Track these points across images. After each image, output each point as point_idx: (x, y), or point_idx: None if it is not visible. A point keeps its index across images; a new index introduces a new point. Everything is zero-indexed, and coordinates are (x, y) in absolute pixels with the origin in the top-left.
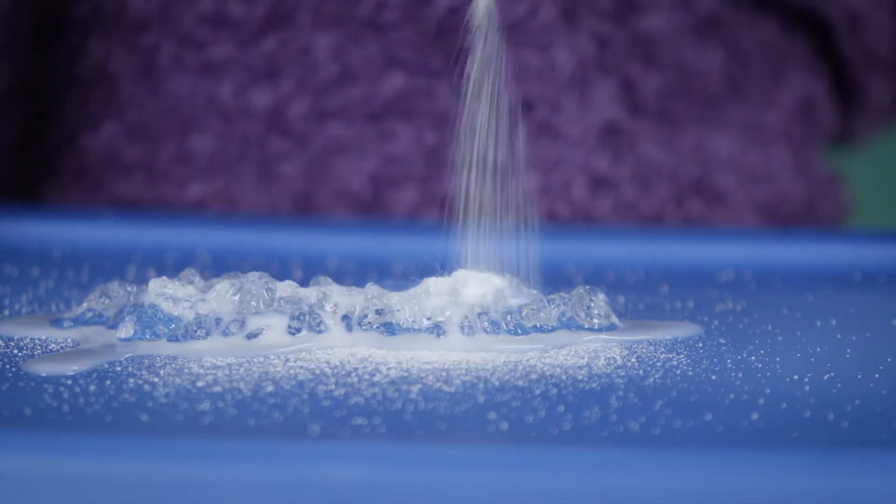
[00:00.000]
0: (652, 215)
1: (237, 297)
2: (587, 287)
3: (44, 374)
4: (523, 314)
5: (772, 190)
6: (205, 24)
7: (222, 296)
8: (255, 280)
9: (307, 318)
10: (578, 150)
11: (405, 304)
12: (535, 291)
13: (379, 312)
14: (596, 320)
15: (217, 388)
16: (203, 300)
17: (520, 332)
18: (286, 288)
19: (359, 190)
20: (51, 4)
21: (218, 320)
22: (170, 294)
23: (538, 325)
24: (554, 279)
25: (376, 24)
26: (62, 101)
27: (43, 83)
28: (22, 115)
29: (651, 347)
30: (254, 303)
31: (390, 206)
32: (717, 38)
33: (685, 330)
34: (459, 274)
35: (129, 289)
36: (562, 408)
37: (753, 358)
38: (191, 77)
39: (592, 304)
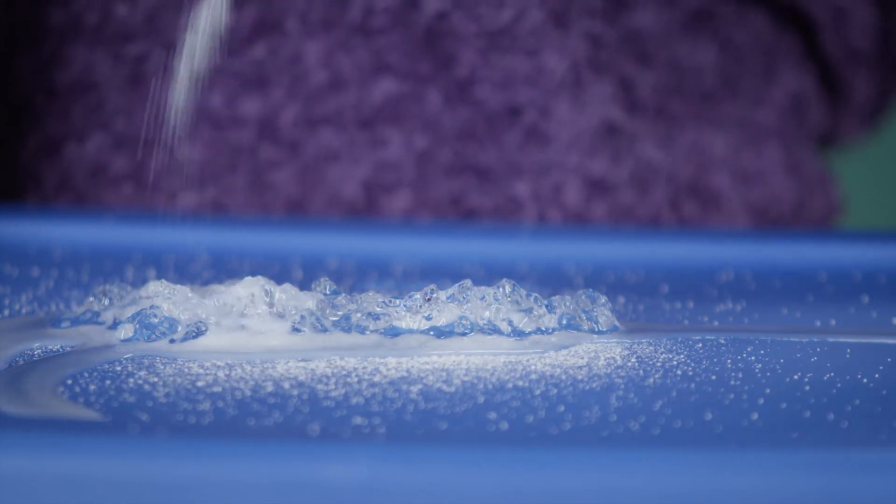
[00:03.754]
0: (648, 219)
1: (237, 300)
2: (588, 291)
3: None
4: (523, 319)
5: (763, 191)
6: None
7: (222, 298)
8: (254, 282)
9: (308, 320)
10: (571, 153)
11: (406, 308)
12: (535, 295)
13: (377, 317)
14: (598, 326)
15: (217, 388)
16: (202, 302)
17: (519, 335)
18: (286, 291)
19: (351, 196)
20: (24, 10)
21: (218, 322)
22: (169, 296)
23: (540, 329)
24: (554, 281)
25: (365, 30)
26: (38, 108)
27: (18, 90)
28: None
29: (651, 347)
30: (253, 305)
31: (383, 212)
32: (708, 32)
33: None
34: (464, 282)
35: (128, 290)
36: (562, 408)
37: (753, 358)
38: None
39: (594, 309)
